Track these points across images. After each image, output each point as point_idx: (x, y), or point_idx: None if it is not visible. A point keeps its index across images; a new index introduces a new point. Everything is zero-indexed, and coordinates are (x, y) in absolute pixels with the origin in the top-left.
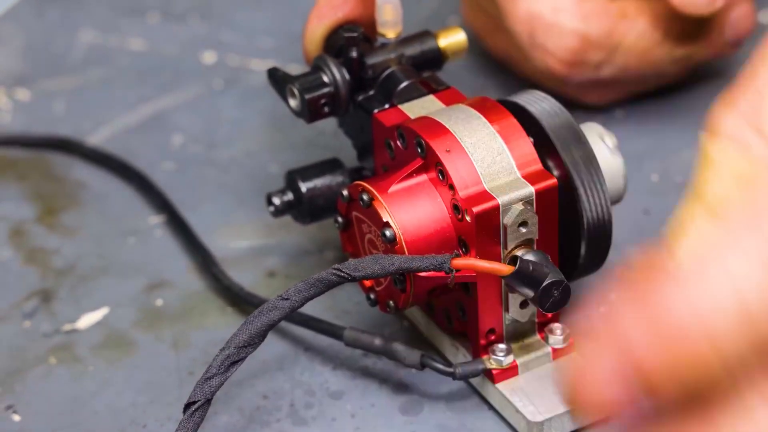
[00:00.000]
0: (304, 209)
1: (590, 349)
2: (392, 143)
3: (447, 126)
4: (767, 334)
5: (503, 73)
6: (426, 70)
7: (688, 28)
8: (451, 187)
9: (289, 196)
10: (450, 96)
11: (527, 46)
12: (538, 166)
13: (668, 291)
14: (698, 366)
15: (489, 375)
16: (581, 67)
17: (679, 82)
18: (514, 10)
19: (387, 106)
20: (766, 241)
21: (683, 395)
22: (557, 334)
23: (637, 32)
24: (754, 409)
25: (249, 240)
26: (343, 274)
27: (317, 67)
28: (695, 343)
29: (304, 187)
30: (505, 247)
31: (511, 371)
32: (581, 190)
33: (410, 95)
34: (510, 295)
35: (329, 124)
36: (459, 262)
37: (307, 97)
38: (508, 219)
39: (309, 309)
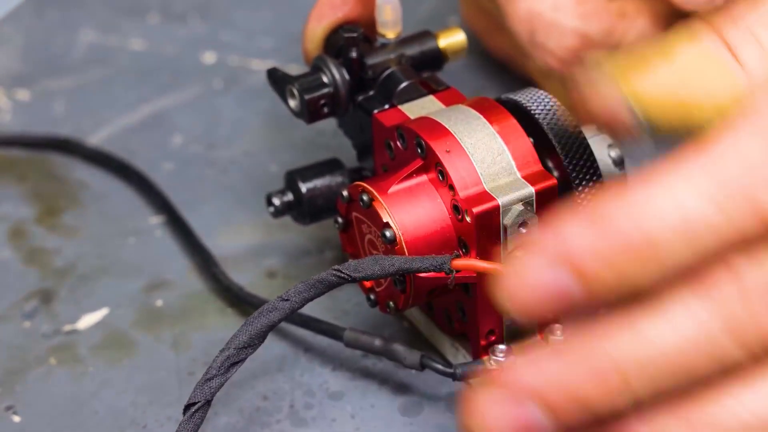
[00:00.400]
0: (304, 210)
1: (529, 252)
2: (392, 143)
3: (447, 126)
4: (707, 252)
5: (503, 73)
6: (426, 70)
7: None
8: (451, 187)
9: (289, 196)
10: (450, 96)
11: (527, 46)
12: (538, 166)
13: (614, 206)
14: (638, 270)
15: None
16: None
17: None
18: (514, 10)
19: (387, 106)
20: (719, 182)
21: (615, 294)
22: (557, 335)
23: (637, 31)
24: (669, 308)
25: (249, 240)
26: (343, 275)
27: (317, 67)
28: (637, 252)
29: (303, 187)
30: (506, 248)
31: None
32: (581, 191)
33: (410, 95)
34: None
35: (329, 124)
36: (459, 262)
37: (307, 97)
38: (508, 219)
39: (309, 310)
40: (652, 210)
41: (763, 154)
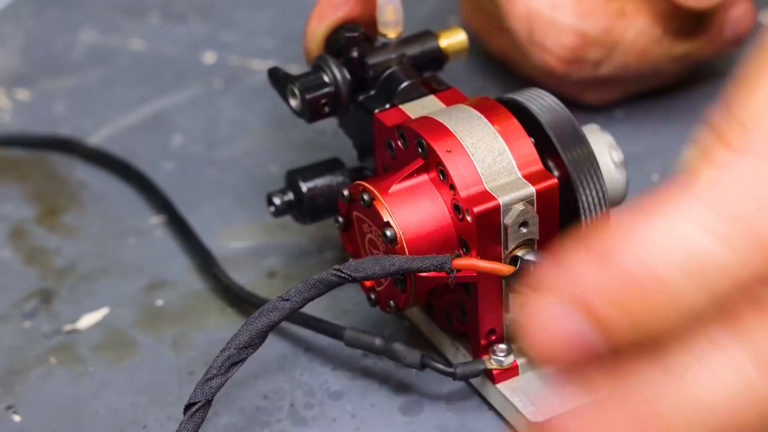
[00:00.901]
0: (304, 209)
1: (542, 295)
2: (393, 143)
3: (448, 126)
4: (723, 292)
5: (503, 73)
6: (427, 70)
7: (687, 26)
8: (452, 187)
9: (290, 196)
10: (451, 96)
11: (526, 44)
12: (539, 166)
13: (620, 243)
14: (651, 313)
15: (489, 375)
16: (580, 65)
17: (679, 81)
18: (513, 8)
19: (388, 106)
20: (722, 215)
21: (636, 340)
22: None
23: (636, 30)
24: (706, 355)
25: (249, 240)
26: (343, 275)
27: (318, 67)
28: (647, 292)
29: (304, 186)
30: (506, 247)
31: (512, 371)
32: (581, 190)
33: (411, 95)
34: (510, 295)
35: (329, 124)
36: (460, 262)
37: (308, 97)
38: (508, 219)
39: (309, 309)
40: (655, 246)
41: (764, 184)
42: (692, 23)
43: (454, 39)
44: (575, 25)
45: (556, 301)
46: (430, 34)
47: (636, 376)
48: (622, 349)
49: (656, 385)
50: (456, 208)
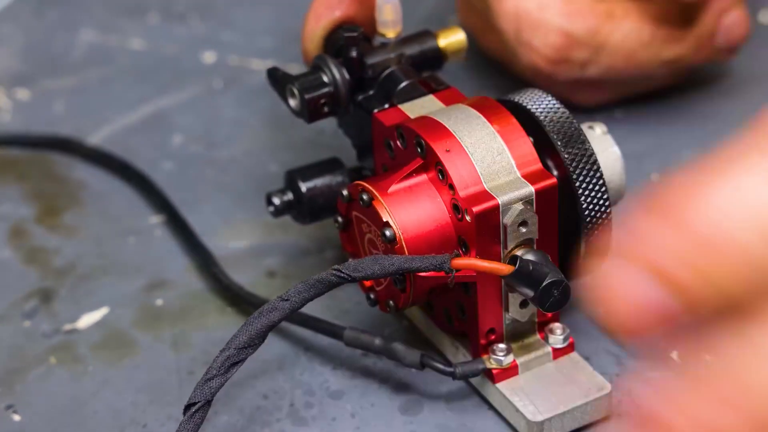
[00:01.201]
0: (303, 209)
1: (617, 266)
2: (392, 143)
3: (447, 126)
4: None
5: (503, 72)
6: (426, 69)
7: (676, 31)
8: (451, 186)
9: (289, 195)
10: (450, 96)
11: (514, 44)
12: (538, 165)
13: (689, 206)
14: (727, 273)
15: (489, 375)
16: (566, 66)
17: (675, 85)
18: (502, 8)
19: (387, 105)
20: None
21: (718, 305)
22: (557, 334)
23: (623, 33)
24: None
25: (249, 240)
26: (342, 275)
27: (317, 66)
28: (724, 253)
29: (304, 186)
30: (505, 247)
31: (511, 371)
32: (581, 190)
33: (410, 95)
34: (510, 294)
35: (329, 123)
36: (459, 261)
37: (307, 96)
38: (508, 219)
39: (309, 309)
40: (726, 205)
41: None
42: (682, 28)
43: (452, 38)
44: (562, 25)
45: (631, 267)
46: (429, 34)
47: (718, 346)
48: (704, 316)
49: (739, 358)
50: (455, 208)
